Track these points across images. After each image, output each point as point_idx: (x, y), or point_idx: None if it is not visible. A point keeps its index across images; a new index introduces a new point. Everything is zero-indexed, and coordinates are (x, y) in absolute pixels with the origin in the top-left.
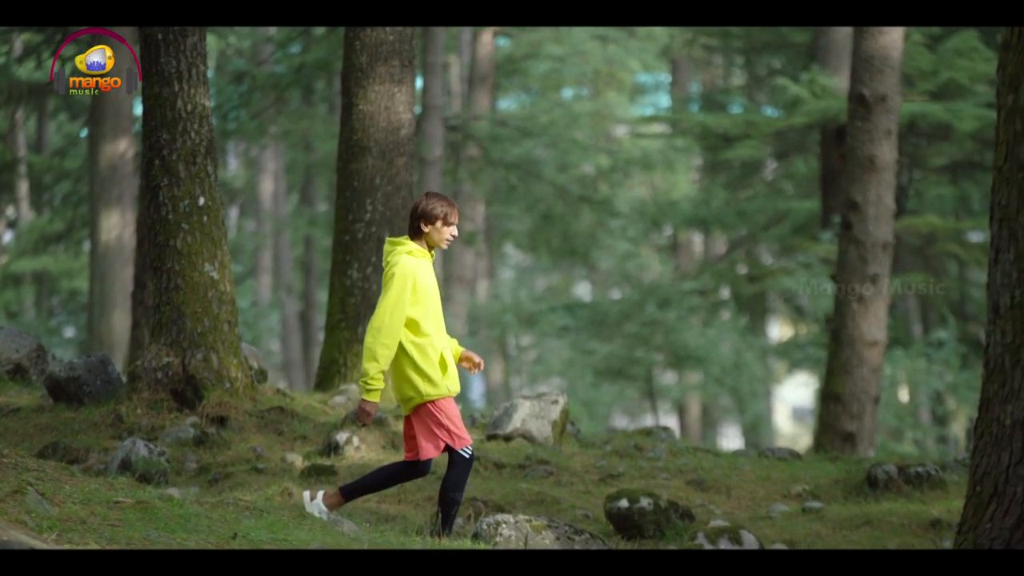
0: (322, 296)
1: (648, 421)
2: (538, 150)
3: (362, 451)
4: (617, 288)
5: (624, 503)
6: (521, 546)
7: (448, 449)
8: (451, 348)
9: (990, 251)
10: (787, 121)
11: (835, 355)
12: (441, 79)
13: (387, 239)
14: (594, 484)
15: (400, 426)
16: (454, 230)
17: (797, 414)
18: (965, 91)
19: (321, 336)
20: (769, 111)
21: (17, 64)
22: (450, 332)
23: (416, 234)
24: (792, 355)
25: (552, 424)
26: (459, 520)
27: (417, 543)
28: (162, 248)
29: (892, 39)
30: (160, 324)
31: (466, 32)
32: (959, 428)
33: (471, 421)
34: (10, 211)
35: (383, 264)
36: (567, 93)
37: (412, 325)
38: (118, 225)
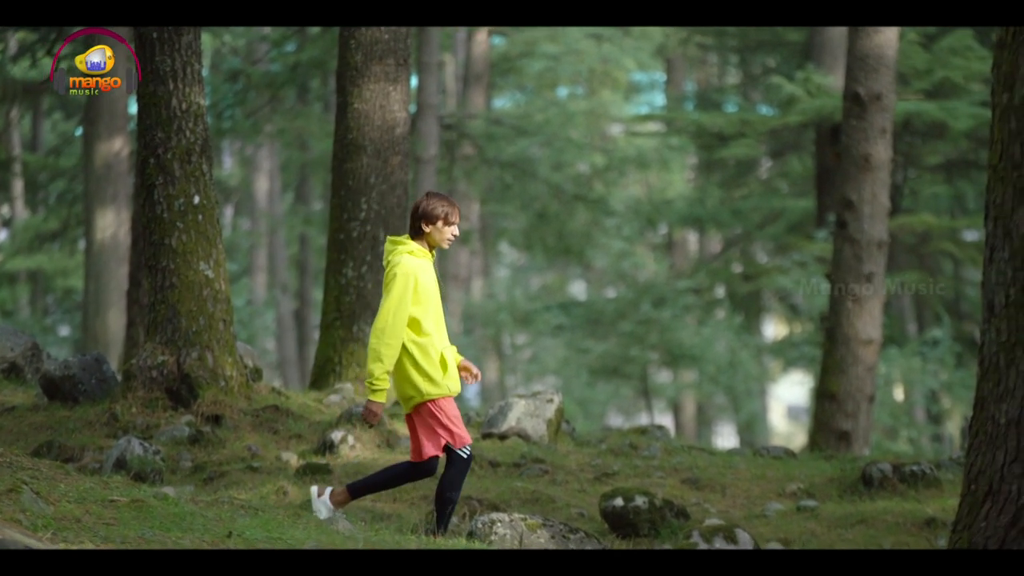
0: (317, 294)
1: (643, 420)
2: (533, 149)
3: (357, 450)
4: (612, 287)
5: (619, 502)
6: (516, 545)
7: (447, 448)
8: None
9: (985, 249)
10: (782, 120)
11: (830, 354)
12: (436, 78)
13: (388, 238)
14: (589, 483)
15: (395, 425)
16: (455, 230)
17: (792, 413)
18: (960, 90)
19: (316, 335)
20: (764, 110)
21: (12, 63)
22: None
23: (417, 234)
24: (787, 354)
25: (547, 423)
26: (454, 519)
27: (412, 542)
28: (157, 246)
29: (887, 38)
30: (155, 323)
31: (461, 31)
32: (954, 427)
33: (466, 420)
34: (5, 209)
35: (384, 263)
36: (562, 92)
37: (413, 324)
38: (113, 223)
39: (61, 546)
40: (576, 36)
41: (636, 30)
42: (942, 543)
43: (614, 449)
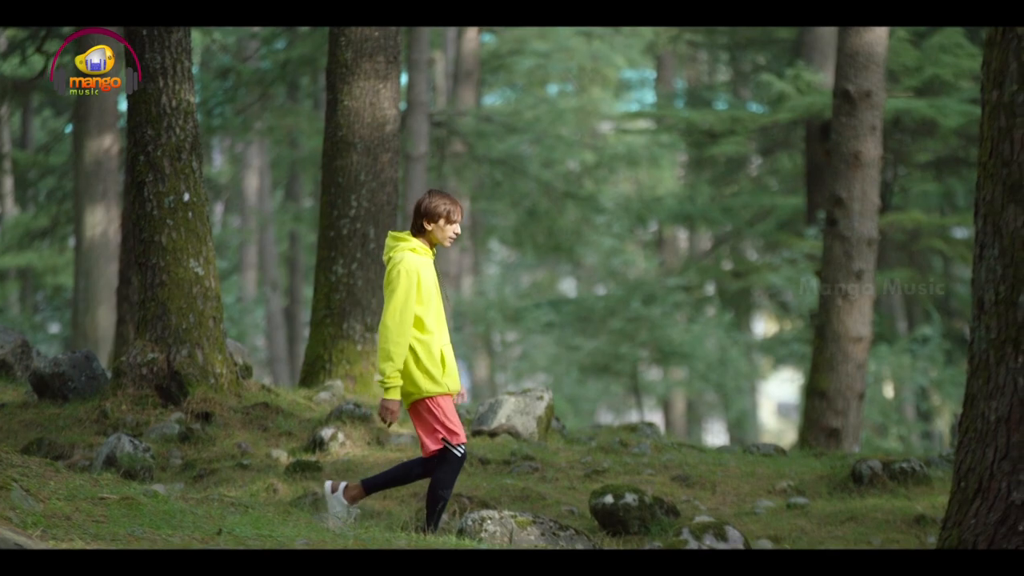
0: (307, 292)
1: (633, 417)
2: (523, 146)
3: (347, 447)
4: (602, 284)
5: (609, 499)
6: (506, 542)
7: (443, 445)
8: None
9: (975, 247)
10: (772, 117)
11: (820, 351)
12: (426, 75)
13: (390, 233)
14: (579, 480)
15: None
16: (457, 228)
17: (782, 410)
18: (950, 87)
19: (306, 332)
20: (754, 107)
21: (1, 60)
22: None
23: (419, 231)
24: (777, 351)
25: (537, 420)
26: (444, 516)
27: (402, 539)
28: (147, 244)
29: (877, 35)
30: (145, 320)
31: (451, 28)
32: (944, 424)
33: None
34: None
35: (384, 259)
36: (552, 89)
37: (417, 322)
38: (103, 221)
39: (51, 544)
40: (566, 34)
41: (626, 27)
42: (932, 540)
43: (604, 446)
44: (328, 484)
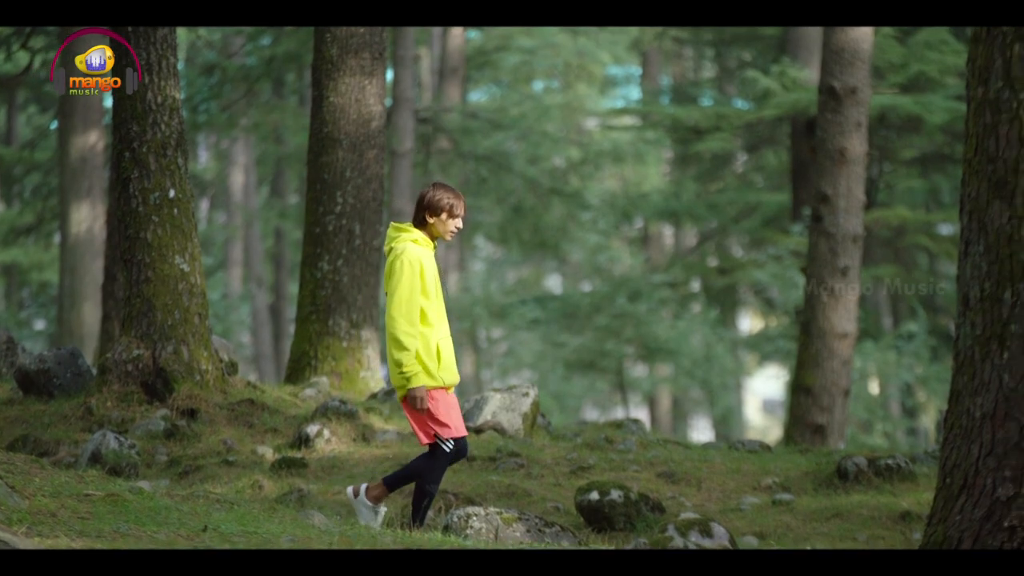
0: (293, 288)
1: (619, 414)
2: (509, 143)
3: (333, 443)
4: (588, 281)
5: (595, 495)
6: (492, 538)
7: (434, 440)
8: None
9: (960, 243)
10: (757, 113)
11: (805, 347)
12: (412, 72)
13: (392, 224)
14: (565, 476)
15: (370, 419)
16: (459, 222)
17: (767, 406)
18: (935, 84)
19: (292, 328)
20: (739, 103)
21: None
22: None
23: (421, 223)
24: (762, 347)
25: (523, 417)
26: (430, 513)
27: (388, 536)
28: (132, 240)
29: (862, 32)
30: (130, 317)
31: None
32: (929, 420)
33: None
34: None
35: (385, 249)
36: (538, 85)
37: (419, 315)
38: (88, 217)
39: (36, 540)
40: (552, 30)
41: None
42: (917, 537)
43: (590, 443)
44: (350, 490)
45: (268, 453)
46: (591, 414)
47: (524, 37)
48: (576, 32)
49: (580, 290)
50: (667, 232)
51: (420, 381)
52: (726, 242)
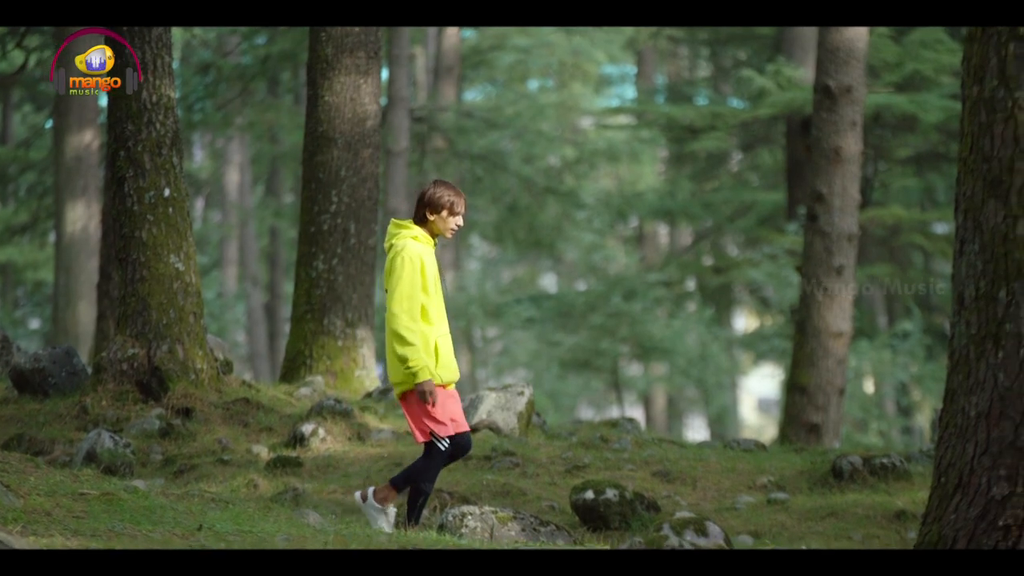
0: (288, 287)
1: (614, 412)
2: (504, 142)
3: (328, 443)
4: (583, 280)
5: (590, 494)
6: (487, 537)
7: (430, 438)
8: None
9: (955, 242)
10: (752, 112)
11: (800, 346)
12: (407, 71)
13: (392, 220)
14: (560, 475)
15: (365, 418)
16: (459, 220)
17: (763, 405)
18: (930, 82)
19: (287, 328)
20: (735, 102)
21: None
22: None
23: (421, 220)
24: (758, 346)
25: (518, 415)
26: (425, 512)
27: (383, 534)
28: (127, 239)
29: (857, 31)
30: (125, 315)
31: None
32: (924, 419)
33: None
34: None
35: (385, 246)
36: (533, 84)
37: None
38: (83, 216)
39: (31, 539)
40: (547, 29)
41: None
42: (912, 536)
43: (585, 442)
44: (357, 496)
45: (263, 452)
46: (586, 413)
47: (519, 36)
48: (571, 31)
49: (575, 289)
50: (662, 231)
51: (427, 375)
52: (721, 241)
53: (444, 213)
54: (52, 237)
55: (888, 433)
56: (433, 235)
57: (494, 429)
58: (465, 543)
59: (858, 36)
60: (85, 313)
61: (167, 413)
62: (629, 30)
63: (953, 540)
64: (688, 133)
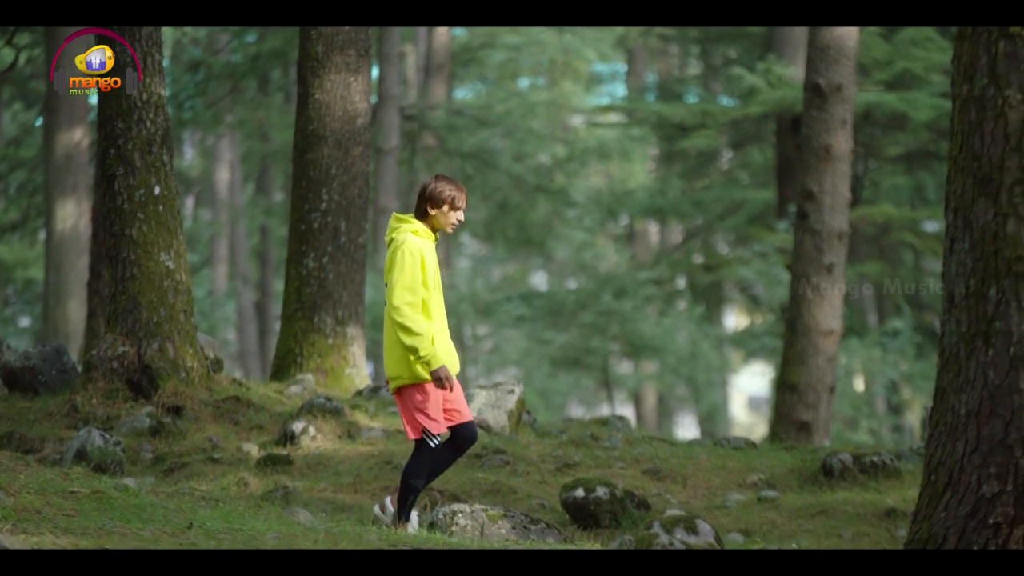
0: (278, 285)
1: (604, 410)
2: (494, 140)
3: (318, 441)
4: (573, 278)
5: (580, 492)
6: (477, 535)
7: (421, 435)
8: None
9: (945, 240)
10: (743, 111)
11: (791, 344)
12: (397, 68)
13: (393, 214)
14: (550, 473)
15: (356, 416)
16: (460, 215)
17: (753, 403)
18: (920, 81)
19: (277, 325)
20: (725, 101)
21: None
22: None
23: (422, 215)
24: (748, 344)
25: (508, 413)
26: (415, 509)
27: (373, 532)
28: (118, 237)
29: (848, 29)
30: (116, 313)
31: None
32: (914, 417)
33: None
34: None
35: (386, 240)
36: (523, 82)
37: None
38: (74, 214)
39: (21, 537)
40: (537, 27)
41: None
42: (902, 534)
43: (575, 440)
44: (376, 508)
45: (253, 450)
46: (576, 411)
47: (510, 34)
48: (561, 29)
49: (566, 287)
50: (652, 229)
51: (440, 361)
52: (711, 239)
53: (445, 208)
54: (42, 235)
55: (878, 431)
56: (434, 230)
57: (484, 427)
58: (455, 541)
59: (848, 34)
60: (75, 311)
61: (157, 411)
62: (620, 28)
63: (943, 538)
64: (678, 131)
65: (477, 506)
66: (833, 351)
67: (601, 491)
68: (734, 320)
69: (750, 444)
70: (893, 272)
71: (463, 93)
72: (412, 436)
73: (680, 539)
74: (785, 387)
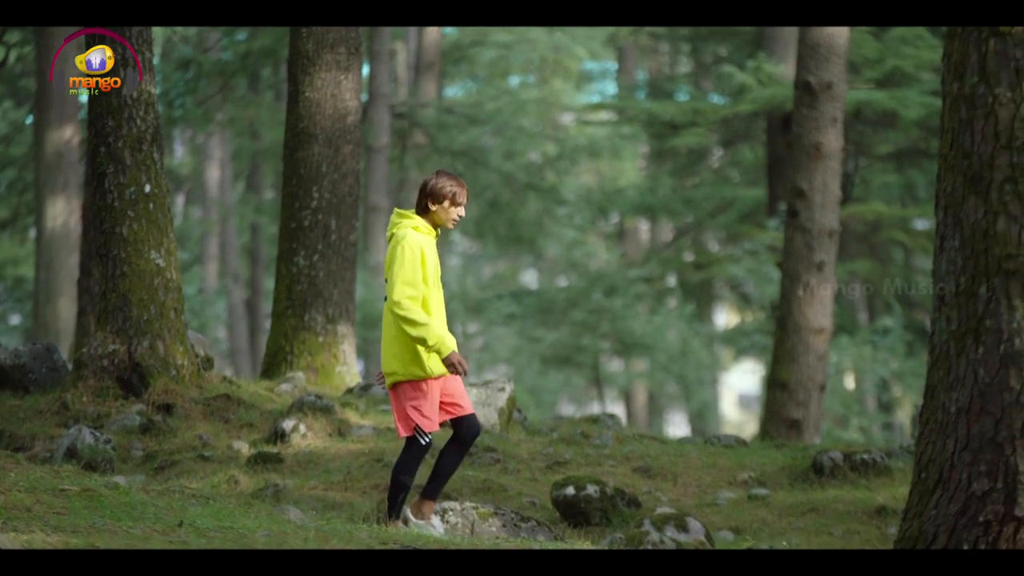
0: (269, 283)
1: (595, 408)
2: (485, 137)
3: (308, 438)
4: (564, 276)
5: (570, 490)
6: (468, 533)
7: (412, 433)
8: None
9: (935, 238)
10: (733, 109)
11: (781, 342)
12: (387, 66)
13: (395, 210)
14: (541, 471)
15: (346, 414)
16: (461, 211)
17: (743, 401)
18: (910, 79)
19: (267, 323)
20: (715, 99)
21: None
22: None
23: (423, 211)
24: (738, 342)
25: (499, 411)
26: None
27: (364, 530)
28: (108, 235)
29: (838, 27)
30: (106, 311)
31: None
32: (905, 415)
33: None
34: None
35: (387, 236)
36: (514, 80)
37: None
38: (64, 212)
39: (11, 535)
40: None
41: None
42: (893, 531)
43: (566, 438)
44: (400, 525)
45: (244, 448)
46: (567, 409)
47: (500, 32)
48: (552, 27)
49: (556, 285)
50: (643, 227)
51: (450, 347)
52: (702, 237)
53: (446, 203)
54: (33, 233)
55: (869, 429)
56: (435, 226)
57: None
58: (445, 539)
59: (839, 32)
60: (65, 309)
61: (148, 409)
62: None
63: (933, 536)
64: (669, 129)
65: (468, 504)
66: (823, 349)
67: (591, 489)
68: (725, 318)
69: (740, 442)
70: (884, 270)
71: (453, 91)
72: (403, 433)
73: (670, 537)
74: (775, 385)
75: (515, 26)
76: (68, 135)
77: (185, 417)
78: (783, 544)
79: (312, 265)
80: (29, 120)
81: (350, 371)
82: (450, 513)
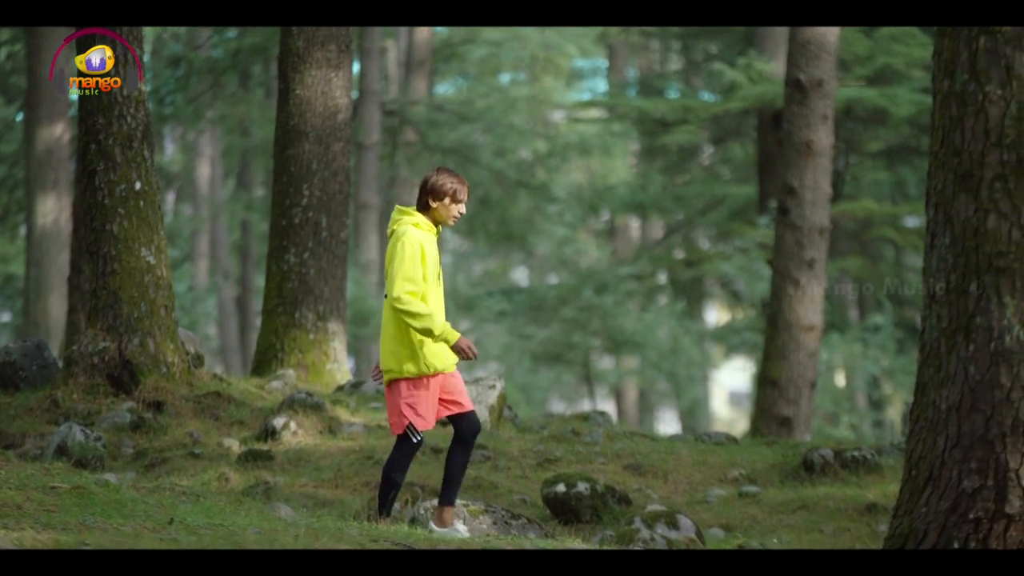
0: (259, 281)
1: (585, 406)
2: (475, 135)
3: (299, 436)
4: (554, 273)
5: (561, 488)
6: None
7: (405, 431)
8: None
9: (926, 236)
10: (724, 106)
11: (772, 340)
12: (378, 64)
13: (396, 206)
14: (531, 469)
15: (337, 411)
16: (462, 208)
17: (734, 399)
18: (901, 76)
19: (258, 321)
20: (706, 96)
21: None
22: None
23: (424, 208)
24: (729, 340)
25: (490, 409)
26: (396, 505)
27: (354, 528)
28: (98, 233)
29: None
30: (96, 309)
31: None
32: (895, 412)
33: None
34: None
35: (387, 232)
36: (504, 78)
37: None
38: (54, 209)
39: (1, 532)
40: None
41: None
42: (883, 528)
43: (556, 435)
44: (435, 528)
45: (234, 445)
46: (558, 406)
47: (491, 30)
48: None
49: (547, 282)
50: (634, 224)
51: (456, 334)
52: (693, 234)
53: (447, 200)
54: (23, 230)
55: (859, 426)
56: (436, 223)
57: None
58: (436, 537)
59: (829, 30)
60: (56, 306)
61: (138, 407)
62: None
63: (924, 533)
64: (659, 127)
65: (458, 501)
66: (814, 346)
67: (582, 486)
68: (715, 315)
69: (731, 439)
70: (874, 267)
71: (444, 88)
72: (396, 432)
73: (661, 534)
74: (766, 382)
75: (505, 26)
76: (59, 132)
77: (176, 414)
78: (774, 541)
79: (303, 262)
80: (19, 117)
81: (341, 368)
82: None
